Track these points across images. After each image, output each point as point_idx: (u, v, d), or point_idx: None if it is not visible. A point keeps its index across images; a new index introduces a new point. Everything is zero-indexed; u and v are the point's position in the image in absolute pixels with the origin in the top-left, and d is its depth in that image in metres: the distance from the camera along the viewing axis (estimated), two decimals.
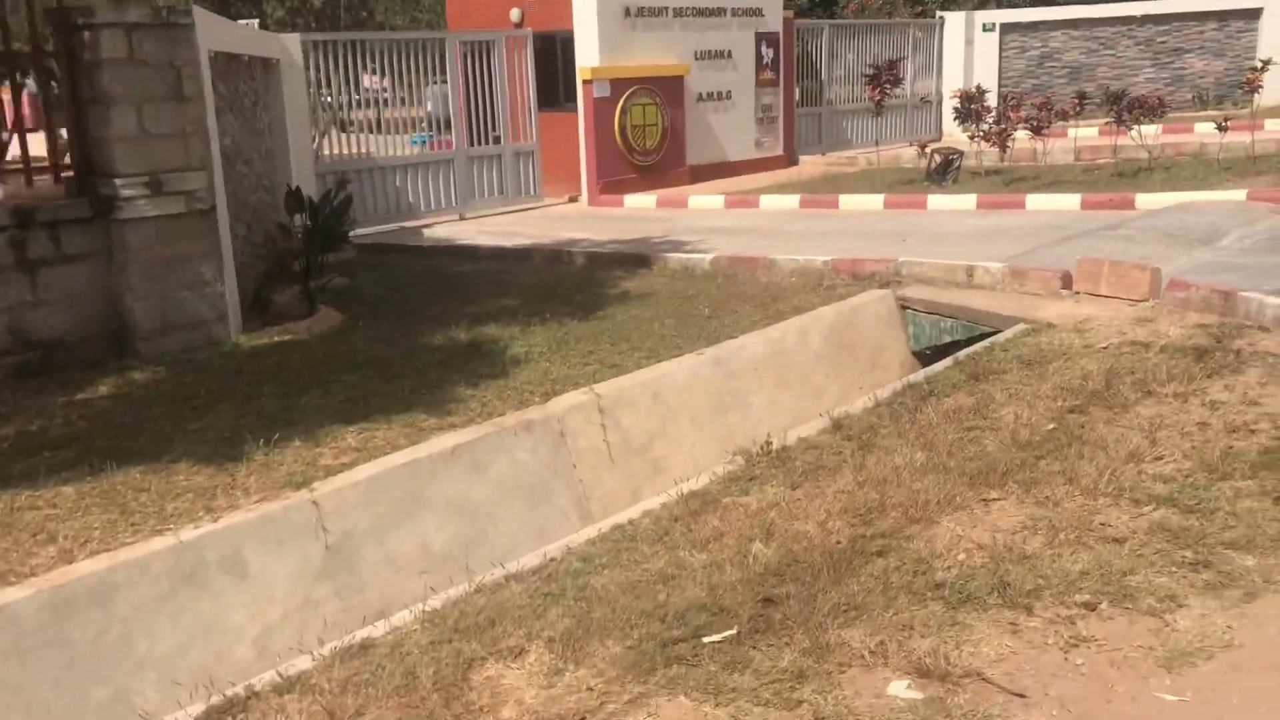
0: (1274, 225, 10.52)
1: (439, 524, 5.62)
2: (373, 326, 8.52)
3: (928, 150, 15.69)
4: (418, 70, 14.75)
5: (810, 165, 19.23)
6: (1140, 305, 7.67)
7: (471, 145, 15.40)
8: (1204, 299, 7.35)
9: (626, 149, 16.28)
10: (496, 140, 15.78)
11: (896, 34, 21.81)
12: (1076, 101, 15.03)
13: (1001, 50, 22.65)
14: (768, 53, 18.47)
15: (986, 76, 22.54)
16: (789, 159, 19.26)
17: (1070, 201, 12.56)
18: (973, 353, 6.99)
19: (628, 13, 16.24)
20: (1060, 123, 14.91)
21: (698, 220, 13.82)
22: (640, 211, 15.25)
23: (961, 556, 4.10)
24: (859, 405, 6.27)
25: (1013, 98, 14.84)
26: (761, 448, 5.53)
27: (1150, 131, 14.93)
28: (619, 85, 16.05)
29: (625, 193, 16.13)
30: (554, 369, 7.05)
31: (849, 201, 14.02)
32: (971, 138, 15.32)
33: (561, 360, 7.25)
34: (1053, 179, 14.65)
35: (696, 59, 17.32)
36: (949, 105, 21.66)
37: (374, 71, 14.70)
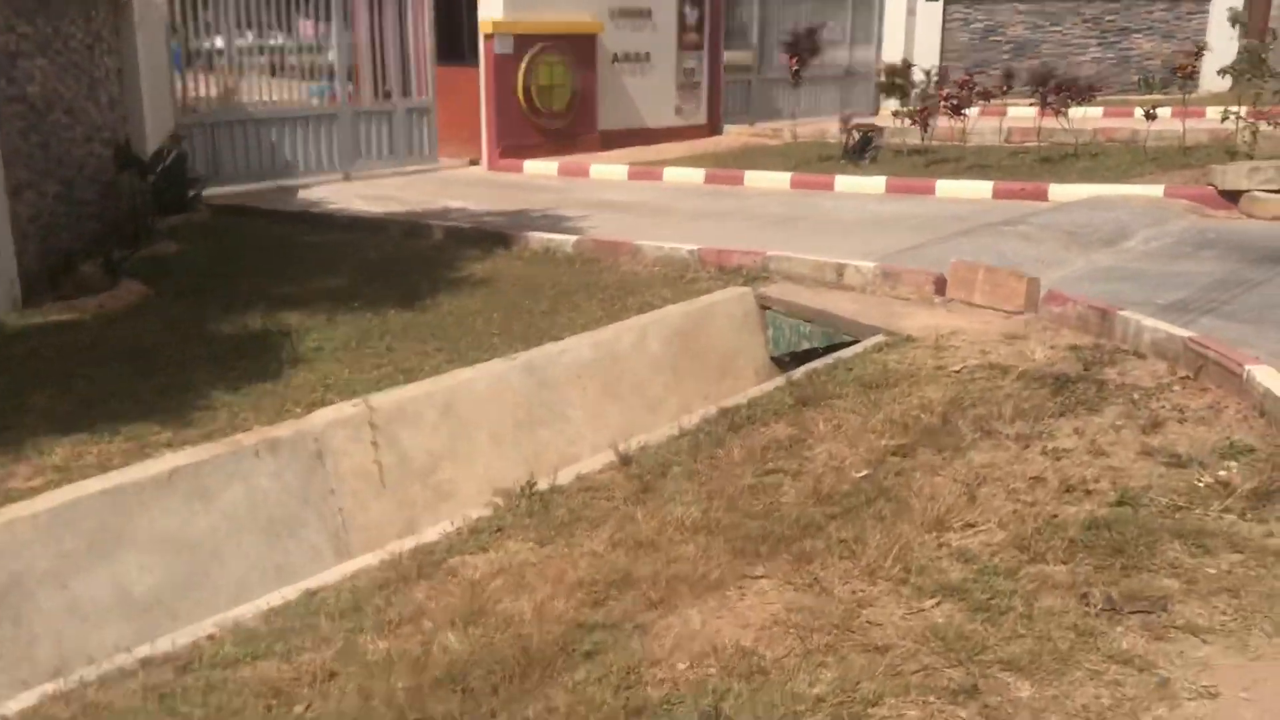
0: (1185, 227, 9.78)
1: (145, 563, 4.75)
2: (170, 306, 7.59)
3: (848, 127, 14.84)
4: (305, 14, 13.68)
5: (733, 136, 18.32)
6: (1014, 319, 6.89)
7: (359, 100, 14.39)
8: (1081, 316, 6.58)
9: (531, 111, 15.31)
10: (388, 95, 14.77)
11: (833, 2, 20.87)
12: (1002, 80, 14.21)
13: (945, 23, 21.83)
14: (692, 14, 17.50)
15: (928, 50, 21.72)
16: (712, 128, 18.34)
17: (982, 189, 11.77)
18: (812, 370, 6.18)
19: None
20: (989, 102, 14.08)
21: (593, 192, 12.93)
22: (538, 179, 14.32)
23: (683, 666, 3.30)
24: (661, 434, 5.45)
25: (938, 73, 14.02)
26: (523, 489, 4.70)
27: (1088, 114, 14.17)
28: (524, 41, 15.06)
29: (528, 158, 15.18)
30: (337, 372, 6.17)
31: (755, 179, 13.17)
32: (895, 115, 14.47)
33: (352, 361, 6.38)
34: (974, 162, 13.85)
35: (612, 17, 16.33)
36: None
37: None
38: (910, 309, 7.22)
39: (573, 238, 9.15)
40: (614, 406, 6.60)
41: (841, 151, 14.73)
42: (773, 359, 7.65)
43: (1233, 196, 10.42)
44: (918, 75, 15.01)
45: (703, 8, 17.61)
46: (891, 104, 14.91)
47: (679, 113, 17.70)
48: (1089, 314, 6.50)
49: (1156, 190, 10.91)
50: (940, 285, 7.38)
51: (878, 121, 15.03)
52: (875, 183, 12.40)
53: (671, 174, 13.76)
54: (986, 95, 13.40)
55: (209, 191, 12.52)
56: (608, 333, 6.76)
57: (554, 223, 10.71)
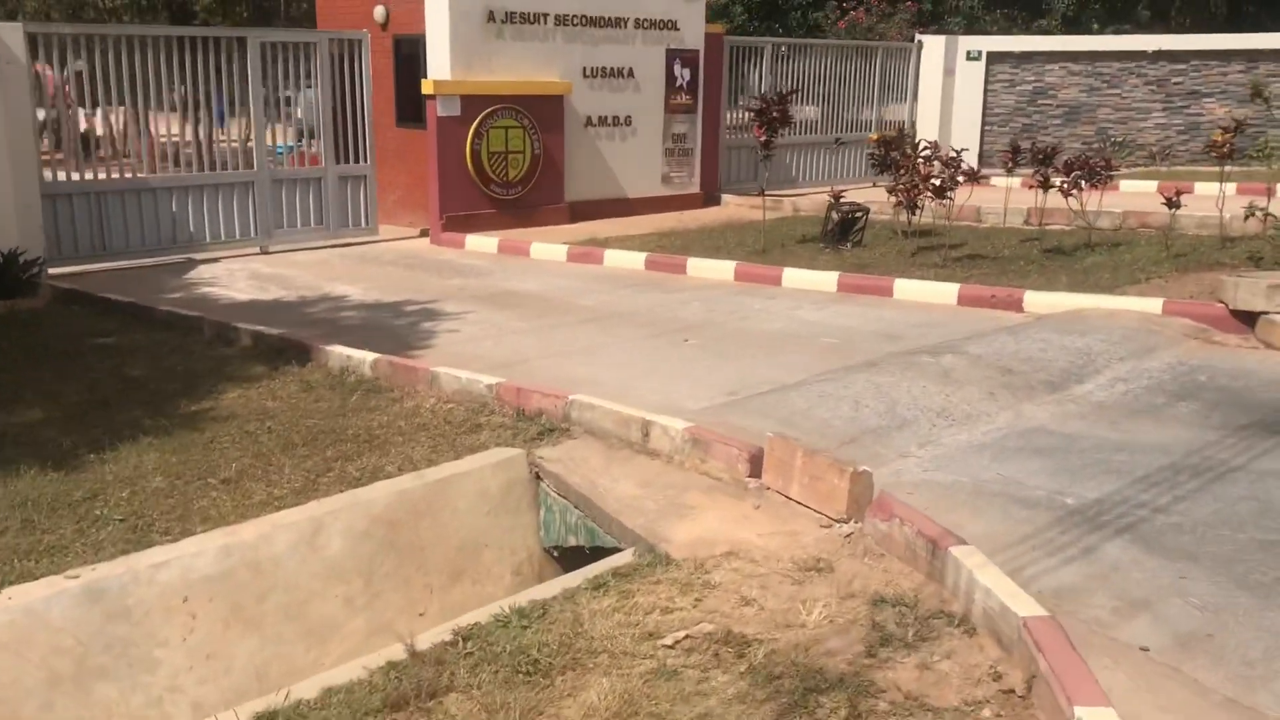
0: (1171, 363, 7.41)
1: None
2: None
3: (830, 206, 12.67)
4: (215, 72, 12.07)
5: (730, 208, 16.25)
6: (832, 530, 4.72)
7: (279, 166, 12.71)
8: (909, 543, 4.38)
9: (480, 179, 13.47)
10: (316, 161, 13.08)
11: (860, 58, 18.70)
12: (1009, 155, 11.90)
13: (987, 83, 19.44)
14: (683, 73, 15.53)
15: (969, 112, 19.40)
16: (707, 198, 16.30)
17: (947, 294, 9.50)
18: (454, 633, 4.09)
19: (492, 17, 13.43)
20: (977, 181, 11.71)
21: (510, 278, 11.00)
22: (472, 257, 12.45)
23: None
24: (317, 682, 3.49)
25: (927, 147, 11.78)
26: None
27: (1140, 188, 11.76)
28: (474, 103, 13.25)
29: (477, 230, 13.34)
30: None
31: (699, 267, 11.07)
32: (890, 191, 12.24)
33: None
34: (971, 251, 11.58)
35: (585, 77, 14.45)
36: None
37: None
38: (706, 499, 5.09)
39: (372, 358, 7.19)
40: (248, 640, 4.60)
41: (822, 232, 12.57)
42: (552, 550, 5.59)
43: (1250, 319, 8.01)
44: (967, 140, 12.76)
45: (696, 67, 15.62)
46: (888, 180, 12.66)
47: (666, 182, 15.70)
48: (918, 542, 4.30)
49: (1155, 305, 8.52)
50: (756, 464, 5.23)
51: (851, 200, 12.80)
52: (827, 279, 10.21)
53: (613, 258, 11.75)
54: (973, 176, 11.07)
55: (80, 269, 10.99)
56: (250, 530, 4.76)
57: (412, 324, 8.82)
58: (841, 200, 13.02)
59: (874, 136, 12.72)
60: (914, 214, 11.72)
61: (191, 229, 11.99)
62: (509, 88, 13.51)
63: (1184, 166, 18.94)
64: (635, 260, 11.53)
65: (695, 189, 16.01)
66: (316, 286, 10.55)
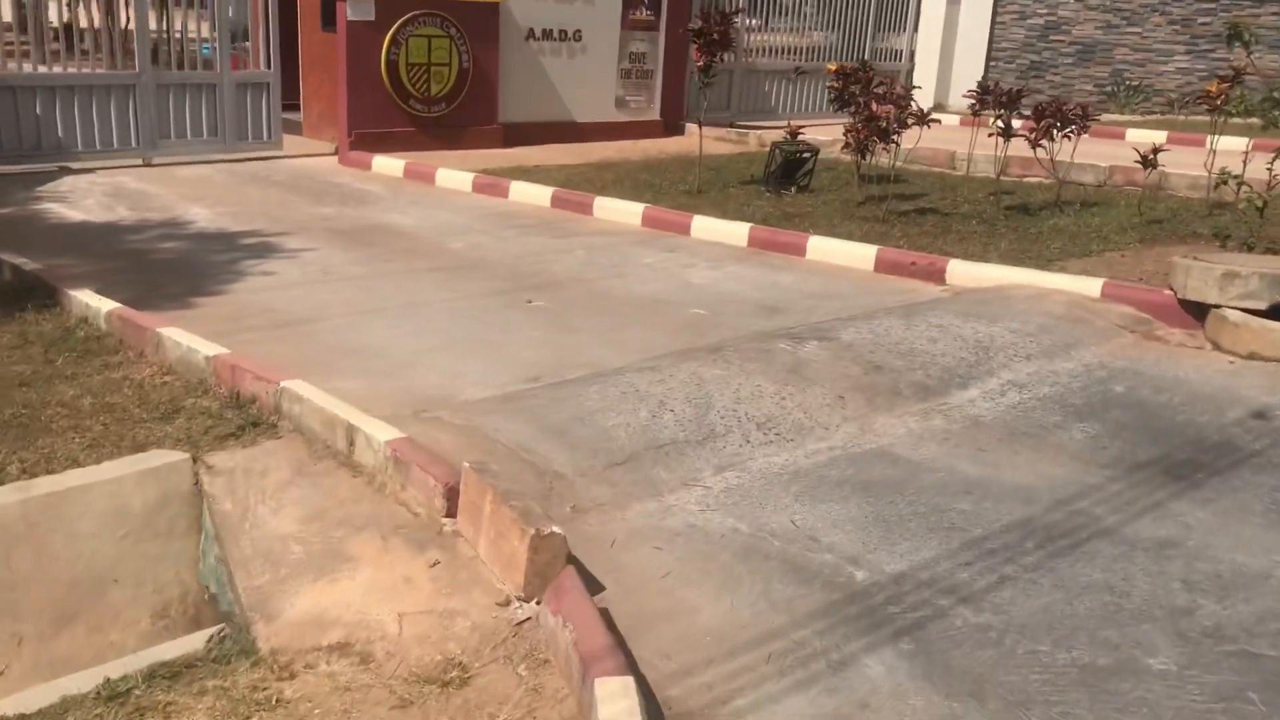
0: (1091, 363, 5.95)
1: None
2: None
3: (776, 145, 11.15)
4: None
5: (691, 138, 14.67)
6: (508, 609, 3.40)
7: (164, 68, 11.31)
8: (568, 655, 3.05)
9: (398, 94, 12.02)
10: (209, 65, 11.66)
11: None
12: (976, 96, 10.26)
13: (996, 14, 17.59)
14: None
15: (973, 47, 17.61)
16: (668, 126, 14.76)
17: (864, 256, 8.03)
18: None
19: None
20: (926, 127, 10.06)
21: (397, 209, 9.64)
22: (372, 180, 11.06)
23: None
24: None
25: (881, 82, 10.19)
26: None
27: (1147, 138, 10.14)
28: (391, 7, 11.76)
29: (392, 150, 11.93)
30: None
31: (605, 208, 9.64)
32: (846, 131, 10.67)
33: None
34: (925, 205, 10.10)
35: None
36: (920, 74, 17.04)
37: None
38: (376, 548, 3.77)
39: (108, 308, 5.88)
40: None
41: (764, 175, 11.07)
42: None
43: (1200, 311, 6.52)
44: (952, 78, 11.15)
45: None
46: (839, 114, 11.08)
47: (621, 106, 14.17)
48: (573, 658, 2.97)
49: (1094, 287, 7.02)
50: (453, 500, 3.90)
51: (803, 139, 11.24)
52: (738, 232, 8.76)
53: (519, 192, 10.32)
54: (922, 119, 9.47)
55: None
56: None
57: (232, 262, 7.51)
58: (797, 138, 11.52)
59: (831, 67, 11.10)
60: (863, 157, 10.16)
61: (61, 134, 10.66)
62: None
63: (1203, 117, 17.11)
64: (542, 195, 10.10)
65: (655, 116, 14.47)
66: (169, 208, 9.24)
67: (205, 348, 5.18)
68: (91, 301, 5.95)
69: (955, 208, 10.07)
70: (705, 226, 8.94)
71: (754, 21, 15.83)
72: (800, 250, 8.32)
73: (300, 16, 12.94)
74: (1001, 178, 11.62)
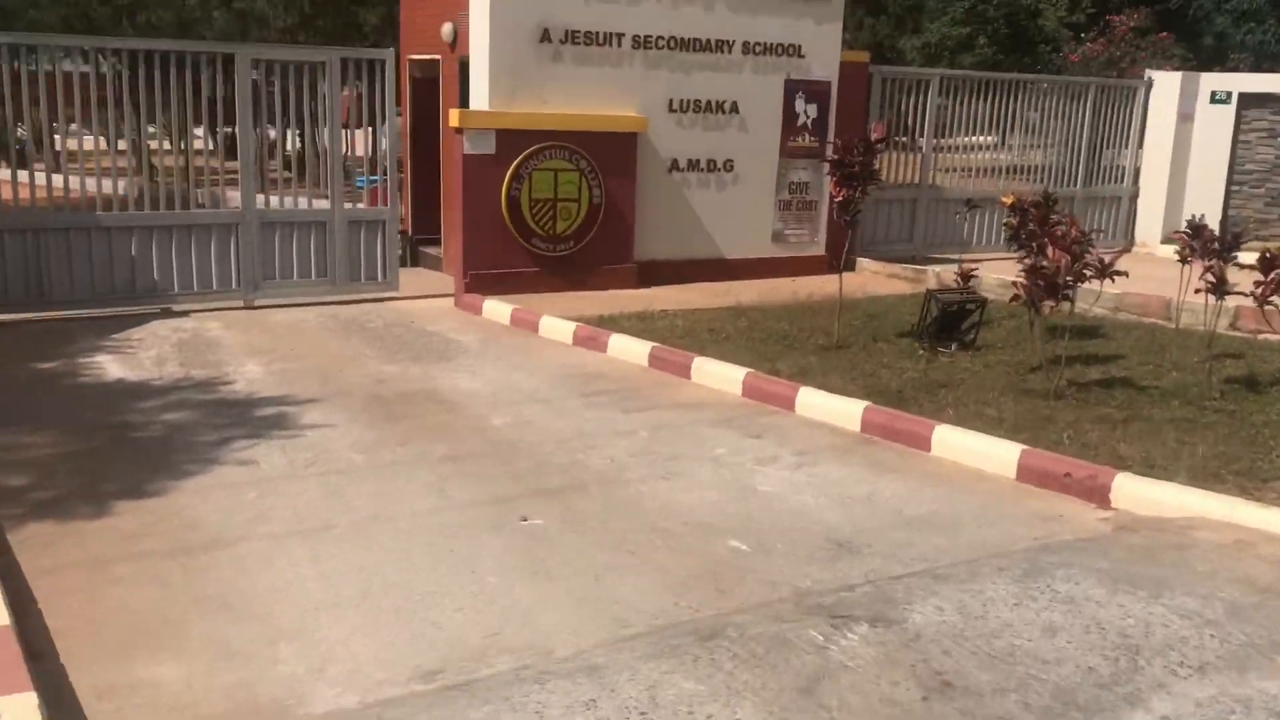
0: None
1: None
2: None
3: (930, 295, 9.18)
4: (196, 94, 10.00)
5: (866, 275, 12.85)
6: None
7: (271, 205, 10.48)
8: None
9: (520, 232, 10.78)
10: (323, 199, 10.77)
11: (1063, 96, 14.69)
12: (1185, 239, 7.96)
13: (1238, 131, 14.91)
14: (807, 109, 12.27)
15: (1211, 167, 14.98)
16: (835, 261, 12.88)
17: (1004, 458, 5.95)
18: None
19: (547, 37, 10.73)
20: (1109, 278, 7.86)
21: (469, 368, 8.28)
22: (475, 328, 9.76)
23: None
24: None
25: (1061, 220, 8.02)
26: None
27: None
28: (513, 139, 10.59)
29: (515, 292, 10.67)
30: None
31: (706, 372, 7.92)
32: (1014, 282, 8.58)
33: None
34: (1122, 370, 7.94)
35: (672, 111, 11.50)
36: (1146, 199, 14.64)
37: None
38: None
39: None
40: None
41: (916, 330, 9.10)
42: None
43: None
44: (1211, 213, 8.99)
45: (825, 103, 12.32)
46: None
47: (779, 240, 12.48)
48: None
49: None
50: None
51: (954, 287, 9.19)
52: (850, 411, 6.84)
53: (616, 346, 8.75)
54: (1103, 271, 7.27)
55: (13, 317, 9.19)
56: None
57: (223, 442, 6.27)
58: (968, 281, 9.53)
59: (1006, 200, 9.06)
60: (1036, 312, 8.05)
61: (156, 277, 9.92)
62: (561, 121, 10.76)
63: None
64: (639, 353, 8.50)
65: (818, 250, 12.68)
66: (222, 364, 8.18)
67: None
68: None
69: (1156, 378, 7.80)
70: (813, 402, 7.07)
71: (935, 140, 13.89)
72: (923, 443, 6.32)
73: (443, 146, 12.01)
74: (1231, 331, 9.20)
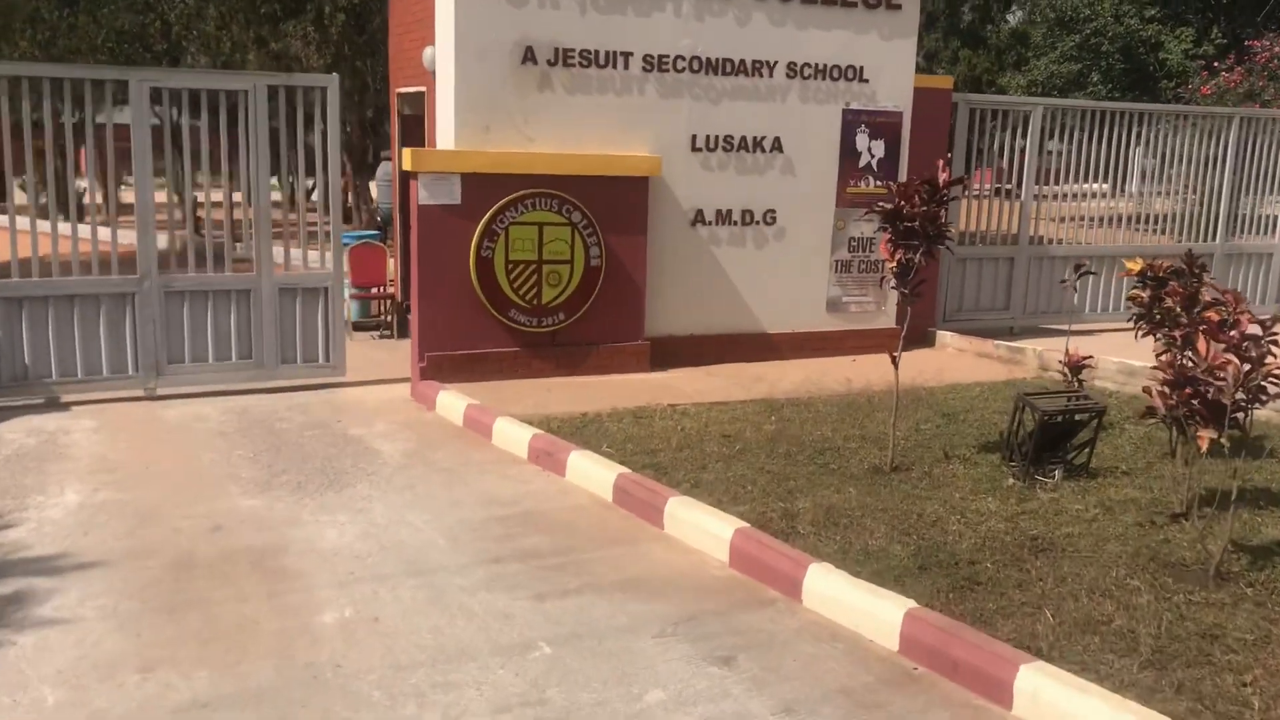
0: None
1: None
2: None
3: (1021, 401, 6.39)
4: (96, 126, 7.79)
5: (948, 353, 10.07)
6: None
7: (181, 270, 8.19)
8: None
9: (493, 303, 8.30)
10: (244, 263, 8.44)
11: (1201, 132, 11.71)
12: None
13: None
14: (872, 146, 9.59)
15: None
16: (913, 333, 10.11)
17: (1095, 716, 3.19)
18: None
19: (530, 57, 8.30)
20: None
21: (372, 496, 5.79)
22: (414, 428, 7.29)
23: None
24: None
25: (1218, 298, 5.23)
26: None
27: None
28: (486, 186, 8.15)
29: (478, 379, 8.22)
30: None
31: (683, 521, 5.27)
32: (1145, 388, 5.71)
33: None
34: None
35: (695, 149, 8.95)
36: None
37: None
38: None
39: None
40: None
41: (1004, 446, 6.31)
42: None
43: None
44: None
45: (897, 137, 9.62)
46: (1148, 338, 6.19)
47: (836, 310, 9.76)
48: None
49: None
50: None
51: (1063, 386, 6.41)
52: (885, 615, 4.13)
53: (578, 468, 6.16)
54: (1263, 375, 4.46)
55: None
56: None
57: None
58: (1078, 375, 6.82)
59: (1132, 267, 6.29)
60: (1183, 435, 5.23)
61: (28, 361, 7.69)
62: (548, 163, 8.28)
63: None
64: (603, 482, 5.89)
65: (888, 321, 9.93)
66: (37, 490, 5.86)
67: None
68: None
69: None
70: (828, 590, 4.37)
71: (1035, 188, 11.05)
72: (1001, 691, 3.57)
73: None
74: None
